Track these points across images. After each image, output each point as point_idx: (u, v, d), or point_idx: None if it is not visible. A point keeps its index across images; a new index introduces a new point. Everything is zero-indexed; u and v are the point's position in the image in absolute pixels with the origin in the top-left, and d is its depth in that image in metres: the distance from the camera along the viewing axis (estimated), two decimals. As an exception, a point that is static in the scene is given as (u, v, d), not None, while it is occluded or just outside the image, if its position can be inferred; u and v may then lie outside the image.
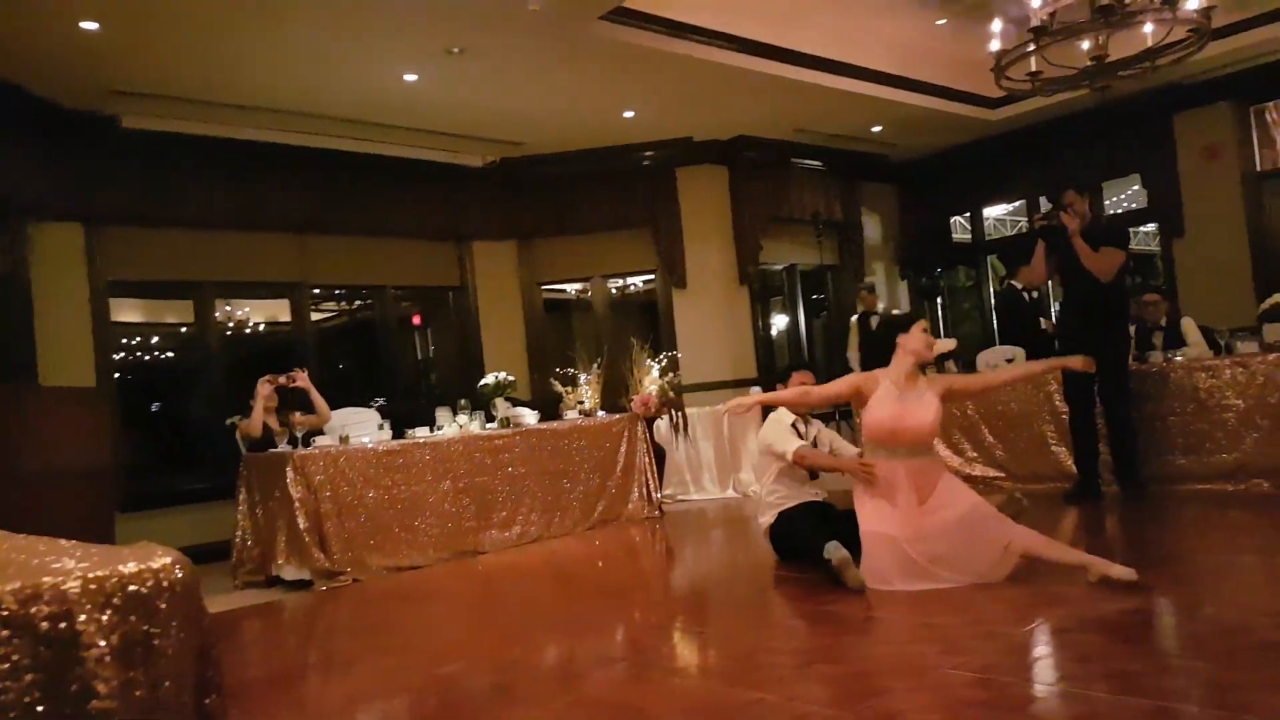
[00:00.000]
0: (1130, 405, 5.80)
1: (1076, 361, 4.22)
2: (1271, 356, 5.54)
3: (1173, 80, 8.25)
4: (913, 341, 4.13)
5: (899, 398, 4.07)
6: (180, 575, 1.23)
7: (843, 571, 3.87)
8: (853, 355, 8.73)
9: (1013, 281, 8.05)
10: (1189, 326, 6.65)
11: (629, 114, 8.10)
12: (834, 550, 3.92)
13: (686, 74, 7.27)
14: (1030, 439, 6.56)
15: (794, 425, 4.63)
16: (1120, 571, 3.51)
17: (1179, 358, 6.03)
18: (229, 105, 6.96)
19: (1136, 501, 5.61)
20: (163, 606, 1.19)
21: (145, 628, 1.17)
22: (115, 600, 1.15)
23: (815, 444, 4.63)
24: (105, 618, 1.14)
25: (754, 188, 9.50)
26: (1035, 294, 8.18)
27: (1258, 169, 8.61)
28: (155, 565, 1.22)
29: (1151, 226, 9.52)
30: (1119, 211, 10.53)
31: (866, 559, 3.89)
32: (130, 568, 1.19)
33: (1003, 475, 6.72)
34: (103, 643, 1.13)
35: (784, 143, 9.51)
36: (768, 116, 8.68)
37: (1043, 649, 3.01)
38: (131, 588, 1.17)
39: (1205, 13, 5.31)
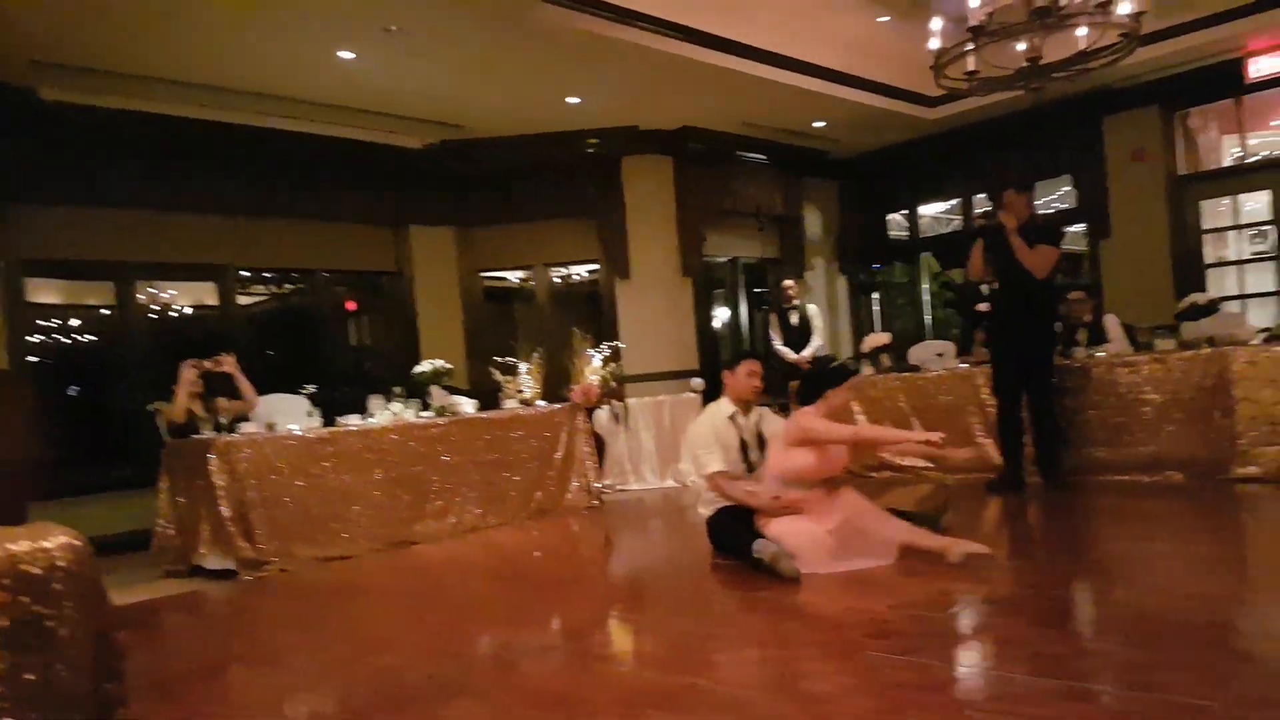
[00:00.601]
0: (1055, 400, 5.97)
1: (935, 437, 4.15)
2: (1188, 354, 5.75)
3: (1103, 84, 8.48)
4: (839, 398, 4.36)
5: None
6: (76, 555, 1.18)
7: (776, 564, 3.93)
8: (783, 349, 8.79)
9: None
10: (1112, 324, 6.85)
11: (574, 100, 8.05)
12: (763, 548, 4.01)
13: (633, 62, 7.24)
14: (958, 431, 6.69)
15: (732, 418, 4.65)
16: (976, 547, 3.89)
17: (1101, 354, 6.22)
18: (154, 79, 6.71)
19: (1057, 492, 5.77)
20: (57, 588, 1.14)
21: (37, 609, 1.12)
22: (4, 580, 1.09)
23: (759, 434, 4.64)
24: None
25: (699, 179, 9.52)
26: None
27: (1180, 172, 8.89)
28: (49, 545, 1.16)
29: (1080, 226, 9.76)
30: (1050, 211, 10.78)
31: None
32: (22, 546, 1.13)
33: (932, 466, 6.86)
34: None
35: (729, 135, 9.54)
36: (714, 108, 8.70)
37: (967, 632, 3.08)
38: (23, 567, 1.12)
39: (1135, 18, 5.46)
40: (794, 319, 8.80)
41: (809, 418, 4.31)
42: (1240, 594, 3.30)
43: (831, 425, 4.31)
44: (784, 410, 7.90)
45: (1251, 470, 5.39)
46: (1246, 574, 3.64)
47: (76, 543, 1.17)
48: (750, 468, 4.61)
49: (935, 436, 4.03)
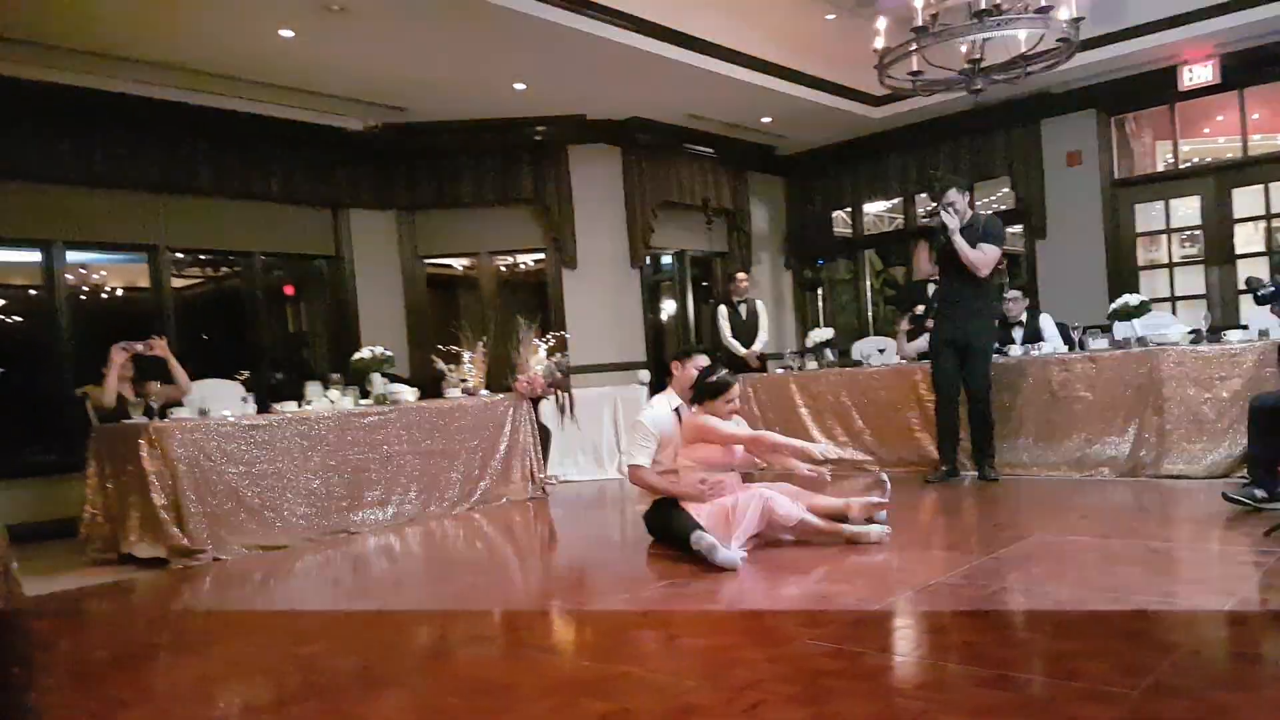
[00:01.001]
0: (990, 396, 6.09)
1: (819, 456, 4.44)
2: (1119, 353, 5.91)
3: (1042, 88, 8.66)
4: (719, 409, 4.49)
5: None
6: None
7: (712, 555, 3.96)
8: (733, 342, 8.83)
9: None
10: (1047, 323, 7.03)
11: (520, 86, 7.98)
12: (699, 539, 4.05)
13: (581, 50, 7.21)
14: (897, 426, 6.83)
15: (677, 410, 4.68)
16: (875, 534, 4.22)
17: (1035, 352, 6.36)
18: (89, 53, 6.52)
19: (990, 486, 5.90)
20: None
21: None
22: None
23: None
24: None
25: (646, 171, 9.52)
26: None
27: (1116, 176, 9.12)
28: None
29: (1018, 227, 9.97)
30: (987, 212, 10.99)
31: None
32: None
33: (871, 459, 6.98)
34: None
35: (677, 127, 9.56)
36: (662, 100, 8.70)
37: (897, 621, 3.13)
38: None
39: (1074, 24, 5.58)
40: (744, 312, 8.86)
41: (703, 417, 4.48)
42: (1163, 587, 3.39)
43: (725, 425, 4.46)
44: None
45: (1178, 467, 5.55)
46: (1168, 568, 3.75)
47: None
48: None
49: (822, 455, 4.39)
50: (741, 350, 8.67)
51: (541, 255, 9.56)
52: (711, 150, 10.12)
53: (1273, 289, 4.58)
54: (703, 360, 4.78)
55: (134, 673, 3.29)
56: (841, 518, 4.37)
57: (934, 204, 6.21)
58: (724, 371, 4.57)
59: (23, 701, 1.19)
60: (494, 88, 7.98)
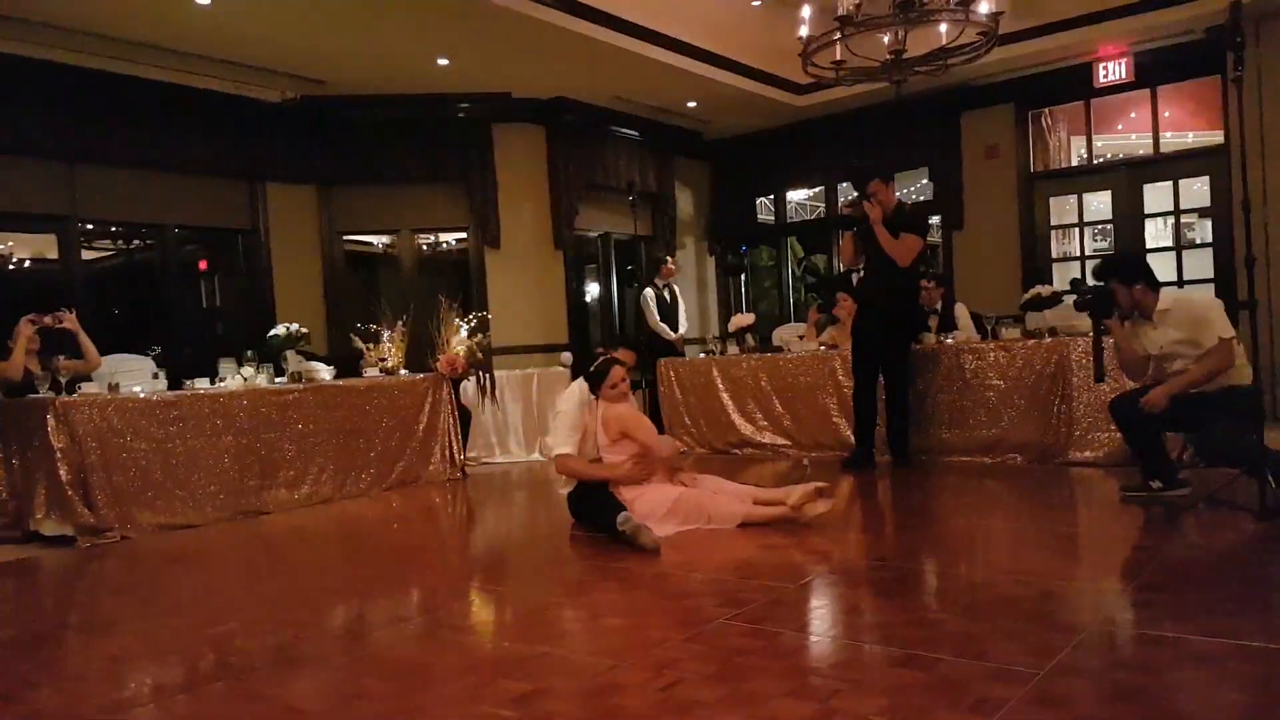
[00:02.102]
0: (910, 383, 6.25)
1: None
2: (1031, 342, 6.10)
3: (962, 81, 8.86)
4: (608, 395, 4.57)
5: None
6: None
7: (637, 536, 3.99)
8: (662, 326, 8.88)
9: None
10: (961, 312, 7.21)
11: (443, 61, 7.84)
12: (625, 520, 4.09)
13: (504, 27, 7.11)
14: (815, 410, 6.95)
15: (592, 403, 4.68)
16: (823, 506, 4.30)
17: (950, 340, 6.53)
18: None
19: (905, 470, 6.06)
20: None
21: None
22: None
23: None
24: None
25: (572, 152, 9.46)
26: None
27: (1032, 169, 9.40)
28: None
29: (936, 218, 10.20)
30: (907, 203, 11.24)
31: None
32: None
33: (789, 443, 7.10)
34: None
35: (603, 109, 9.52)
36: (588, 80, 8.65)
37: (814, 602, 3.20)
38: None
39: (994, 17, 5.72)
40: (668, 296, 8.92)
41: (614, 410, 4.54)
42: (1068, 570, 3.54)
43: (645, 427, 4.55)
44: (650, 387, 8.02)
45: (1086, 455, 5.77)
46: (1075, 552, 3.91)
47: None
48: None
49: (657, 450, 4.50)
50: (671, 334, 8.75)
51: (464, 234, 9.44)
52: (637, 133, 10.11)
53: (1089, 295, 4.75)
54: (627, 352, 4.81)
55: (42, 653, 3.18)
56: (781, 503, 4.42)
57: (857, 194, 6.33)
58: (606, 357, 4.64)
59: None
60: (417, 62, 7.83)
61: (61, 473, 5.00)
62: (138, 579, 4.42)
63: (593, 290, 10.85)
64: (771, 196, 11.49)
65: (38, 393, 5.36)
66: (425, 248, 9.80)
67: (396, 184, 8.98)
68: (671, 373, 7.84)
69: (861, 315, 6.36)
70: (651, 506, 4.31)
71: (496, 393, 7.76)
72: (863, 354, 6.26)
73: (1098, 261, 5.15)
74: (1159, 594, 3.08)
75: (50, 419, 5.02)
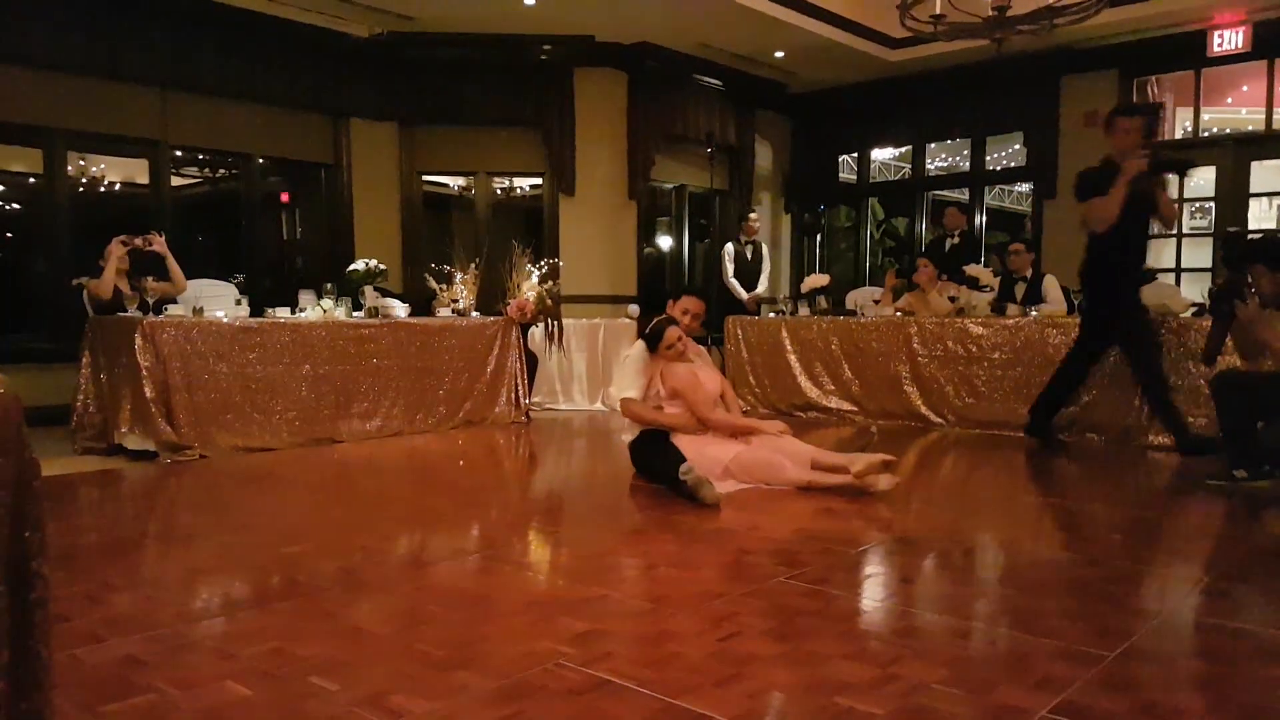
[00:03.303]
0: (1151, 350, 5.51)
1: (773, 426, 4.59)
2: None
3: (1065, 43, 8.49)
4: (666, 356, 4.50)
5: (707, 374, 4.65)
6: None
7: (698, 489, 3.98)
8: (734, 283, 8.83)
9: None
10: (1050, 284, 6.92)
11: (530, 1, 7.77)
12: (687, 471, 4.06)
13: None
14: (885, 378, 6.83)
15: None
16: (885, 482, 4.18)
17: (1034, 313, 6.33)
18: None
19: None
20: None
21: None
22: None
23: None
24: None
25: (652, 100, 9.35)
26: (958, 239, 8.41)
27: (1132, 140, 8.99)
28: None
29: (1026, 185, 9.88)
30: (997, 169, 10.88)
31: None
32: None
33: (855, 409, 7.01)
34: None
35: (687, 56, 9.36)
36: (674, 26, 8.50)
37: (874, 569, 3.17)
38: None
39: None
40: (749, 254, 8.83)
41: (673, 369, 4.49)
42: (1142, 554, 3.44)
43: (698, 392, 4.47)
44: (718, 345, 7.98)
45: (1167, 439, 5.50)
46: (1150, 536, 3.79)
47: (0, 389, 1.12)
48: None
49: (771, 429, 4.52)
50: (743, 294, 8.67)
51: (539, 180, 9.43)
52: (720, 83, 9.93)
53: (1231, 280, 4.46)
54: (693, 301, 4.75)
55: (123, 560, 3.32)
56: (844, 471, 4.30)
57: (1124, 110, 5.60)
58: (661, 318, 4.57)
59: (32, 569, 1.19)
60: (504, 1, 7.77)
61: (146, 390, 5.19)
62: (215, 496, 4.58)
63: (665, 243, 10.80)
64: (855, 155, 11.23)
65: (126, 311, 5.56)
66: (500, 192, 9.83)
67: (475, 125, 9.00)
68: (739, 331, 7.77)
69: (1116, 286, 5.39)
70: (709, 464, 4.27)
71: (564, 340, 7.79)
72: (1098, 330, 5.53)
73: (1236, 241, 4.85)
74: (1238, 585, 2.98)
75: (138, 338, 5.20)
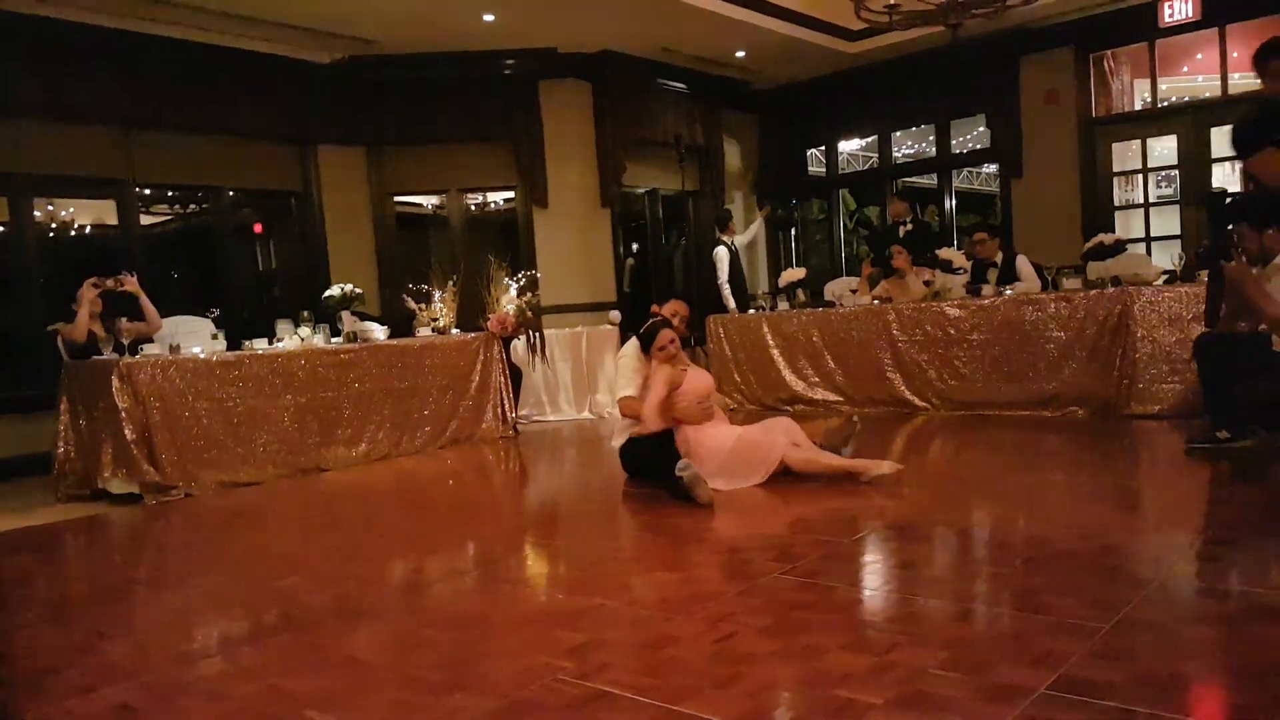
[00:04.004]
0: None
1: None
2: (1093, 293, 5.91)
3: (1021, 24, 8.56)
4: (658, 357, 4.50)
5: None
6: None
7: (694, 487, 3.98)
8: (727, 289, 8.88)
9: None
10: (1023, 264, 6.98)
11: (489, 18, 7.77)
12: (684, 468, 4.05)
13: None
14: (868, 366, 6.84)
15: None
16: (887, 467, 4.15)
17: (1009, 292, 6.37)
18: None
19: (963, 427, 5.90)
20: None
21: None
22: None
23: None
24: None
25: (618, 107, 9.36)
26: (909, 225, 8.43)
27: (1093, 114, 9.09)
28: None
29: (993, 166, 9.94)
30: (963, 152, 10.94)
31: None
32: None
33: (841, 399, 7.02)
34: None
35: (649, 62, 9.38)
36: (634, 32, 8.52)
37: (868, 557, 3.17)
38: None
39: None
40: (736, 254, 8.90)
41: (655, 370, 4.50)
42: (1131, 524, 3.46)
43: (654, 390, 4.44)
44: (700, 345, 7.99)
45: (1149, 408, 5.59)
46: (1138, 505, 3.82)
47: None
48: None
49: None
50: (733, 304, 8.69)
51: (512, 194, 9.43)
52: (684, 86, 9.96)
53: (1217, 240, 4.39)
54: (679, 305, 4.81)
55: (112, 606, 3.29)
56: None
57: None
58: (656, 319, 4.60)
59: None
60: (463, 19, 7.76)
61: (127, 432, 5.14)
62: (202, 535, 4.54)
63: (640, 248, 10.80)
64: (822, 148, 11.28)
65: (101, 354, 5.51)
66: (474, 207, 9.82)
67: (444, 144, 8.98)
68: (721, 329, 7.78)
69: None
70: (712, 451, 4.29)
71: (546, 351, 7.78)
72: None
73: (1219, 199, 4.69)
74: (1226, 548, 3.00)
75: (115, 380, 5.16)
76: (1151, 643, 2.17)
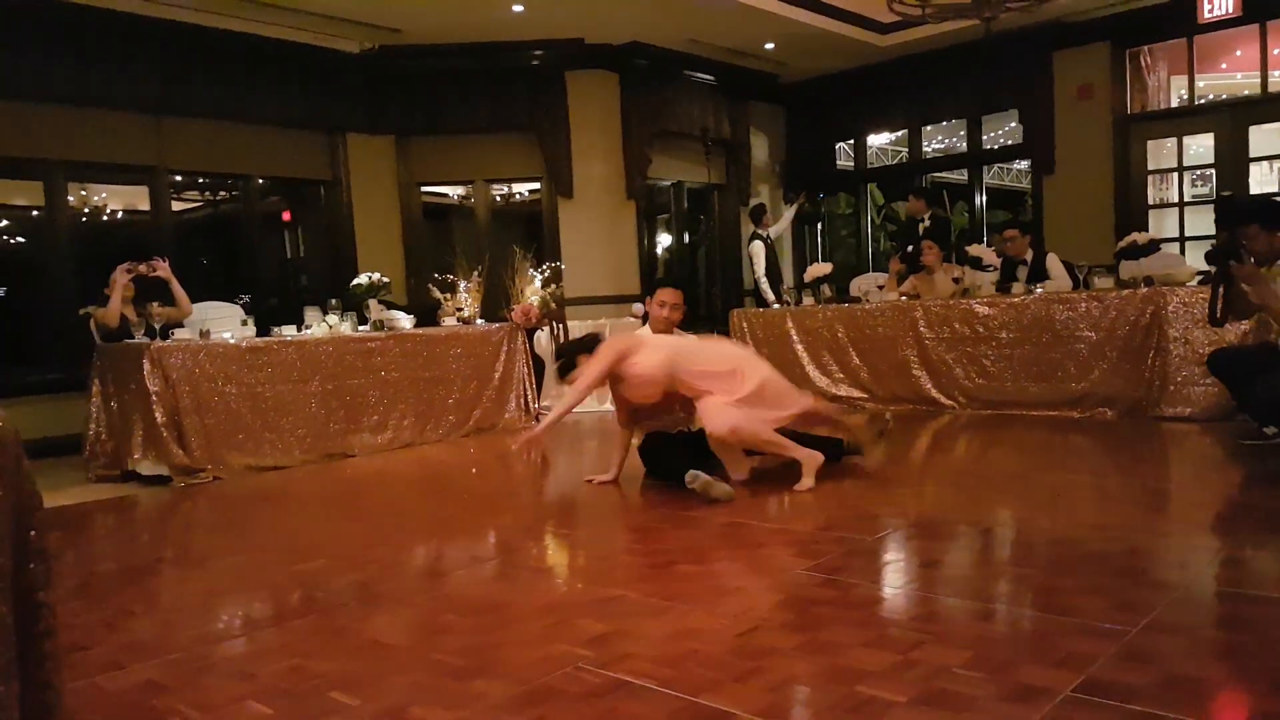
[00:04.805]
0: None
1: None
2: (1125, 292, 5.82)
3: (1055, 18, 8.45)
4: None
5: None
6: None
7: (709, 492, 3.95)
8: (765, 282, 8.85)
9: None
10: (1053, 262, 6.89)
11: (518, 8, 7.76)
12: (693, 479, 4.00)
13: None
14: (893, 363, 6.78)
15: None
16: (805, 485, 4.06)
17: (1039, 289, 6.29)
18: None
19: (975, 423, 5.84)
20: None
21: None
22: None
23: None
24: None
25: (644, 99, 9.34)
26: (928, 221, 8.36)
27: (1128, 111, 8.96)
28: None
29: (1024, 162, 9.82)
30: (994, 147, 10.83)
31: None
32: None
33: (866, 396, 6.96)
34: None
35: (676, 53, 9.34)
36: (661, 22, 8.48)
37: (891, 555, 3.15)
38: None
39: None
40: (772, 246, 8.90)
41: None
42: (1160, 526, 3.41)
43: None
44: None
45: (1181, 410, 5.49)
46: (1168, 508, 3.77)
47: None
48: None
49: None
50: (771, 296, 8.64)
51: (537, 185, 9.44)
52: (712, 78, 9.91)
53: (1225, 241, 4.40)
54: (668, 293, 4.65)
55: (140, 585, 3.34)
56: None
57: None
58: (574, 345, 4.53)
59: (37, 599, 1.20)
60: (491, 9, 7.76)
61: (157, 415, 5.21)
62: (229, 517, 4.59)
63: (664, 240, 10.79)
64: (851, 141, 11.19)
65: (133, 338, 5.58)
66: (499, 198, 9.84)
67: (471, 134, 9.00)
68: (745, 323, 7.74)
69: None
70: (718, 424, 4.09)
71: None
72: None
73: (1229, 201, 4.79)
74: (1258, 551, 2.96)
75: (146, 363, 5.23)
76: (1180, 646, 2.14)
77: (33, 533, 1.17)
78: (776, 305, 8.17)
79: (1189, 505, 3.82)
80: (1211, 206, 8.78)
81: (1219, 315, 4.56)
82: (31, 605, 1.16)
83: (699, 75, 9.79)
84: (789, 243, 11.37)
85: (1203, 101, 8.95)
